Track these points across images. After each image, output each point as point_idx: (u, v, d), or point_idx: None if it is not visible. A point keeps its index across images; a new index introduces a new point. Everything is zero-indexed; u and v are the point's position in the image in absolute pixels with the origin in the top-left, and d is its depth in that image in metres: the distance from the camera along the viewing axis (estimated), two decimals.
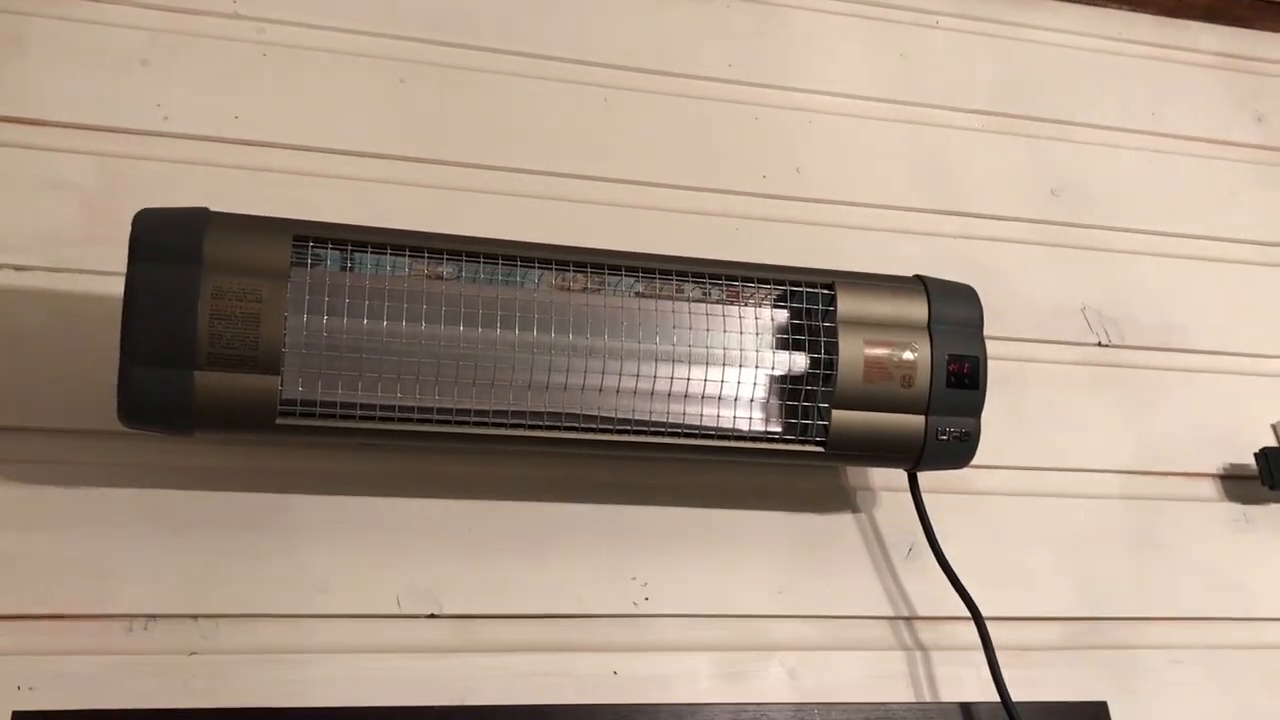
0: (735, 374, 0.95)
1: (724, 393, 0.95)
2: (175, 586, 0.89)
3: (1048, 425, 1.17)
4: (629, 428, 0.93)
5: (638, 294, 0.95)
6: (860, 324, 0.96)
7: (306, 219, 0.88)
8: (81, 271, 0.96)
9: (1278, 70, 1.48)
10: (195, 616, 0.89)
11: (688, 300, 0.96)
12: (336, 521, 0.95)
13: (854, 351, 0.95)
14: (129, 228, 0.83)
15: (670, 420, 0.94)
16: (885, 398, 0.96)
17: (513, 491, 0.99)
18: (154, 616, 0.88)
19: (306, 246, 0.87)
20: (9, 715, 0.81)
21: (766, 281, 0.97)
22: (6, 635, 0.86)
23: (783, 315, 0.98)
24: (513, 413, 0.90)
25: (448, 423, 0.89)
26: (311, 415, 0.86)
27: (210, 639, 0.89)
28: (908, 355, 0.96)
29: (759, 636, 1.01)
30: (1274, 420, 1.24)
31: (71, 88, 1.03)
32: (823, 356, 0.95)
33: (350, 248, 0.88)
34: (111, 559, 0.89)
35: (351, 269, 0.89)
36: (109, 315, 0.85)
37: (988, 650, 0.99)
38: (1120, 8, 1.44)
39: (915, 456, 0.98)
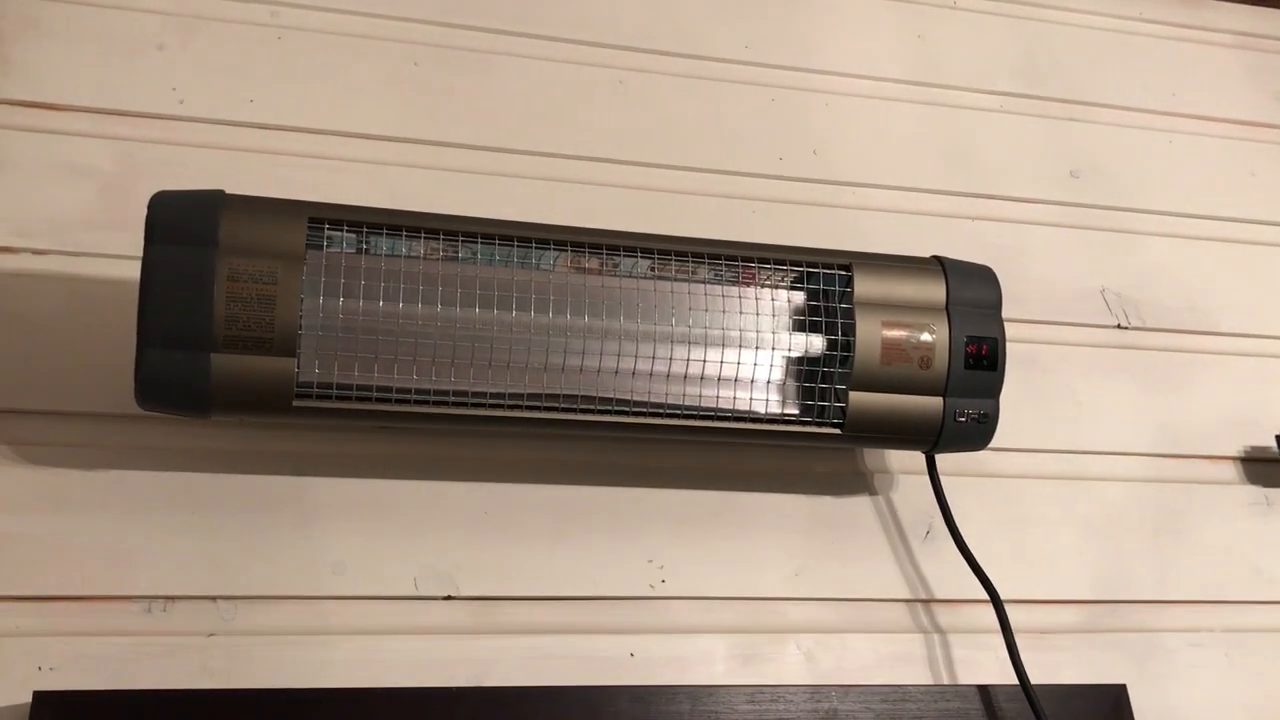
0: (752, 356, 0.95)
1: (740, 375, 0.95)
2: (194, 568, 0.90)
3: (1067, 408, 1.16)
4: (645, 410, 0.93)
5: (654, 276, 0.94)
6: (878, 305, 0.96)
7: (321, 201, 0.88)
8: (99, 255, 0.96)
9: None
10: (214, 598, 0.90)
11: (704, 282, 0.96)
12: (353, 504, 0.95)
13: (871, 333, 0.95)
14: (145, 211, 0.83)
15: (687, 403, 0.94)
16: (903, 379, 0.95)
17: (528, 474, 0.99)
18: (173, 598, 0.89)
19: (321, 228, 0.87)
20: (30, 695, 0.82)
21: (783, 263, 0.96)
22: (28, 616, 0.86)
23: (799, 297, 0.98)
24: (528, 395, 0.90)
25: (464, 405, 0.89)
26: (328, 397, 0.86)
27: (229, 620, 0.89)
28: (926, 337, 0.96)
29: (776, 619, 1.01)
30: None
31: (87, 72, 1.03)
32: (840, 338, 0.95)
33: (365, 230, 0.88)
34: (130, 541, 0.90)
35: (366, 251, 0.89)
36: (126, 299, 0.85)
37: (1006, 633, 0.99)
38: None
39: (933, 438, 0.98)
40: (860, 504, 1.07)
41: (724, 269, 0.96)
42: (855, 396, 0.95)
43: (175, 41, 1.06)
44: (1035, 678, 0.98)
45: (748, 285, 0.97)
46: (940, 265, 0.99)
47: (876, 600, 1.03)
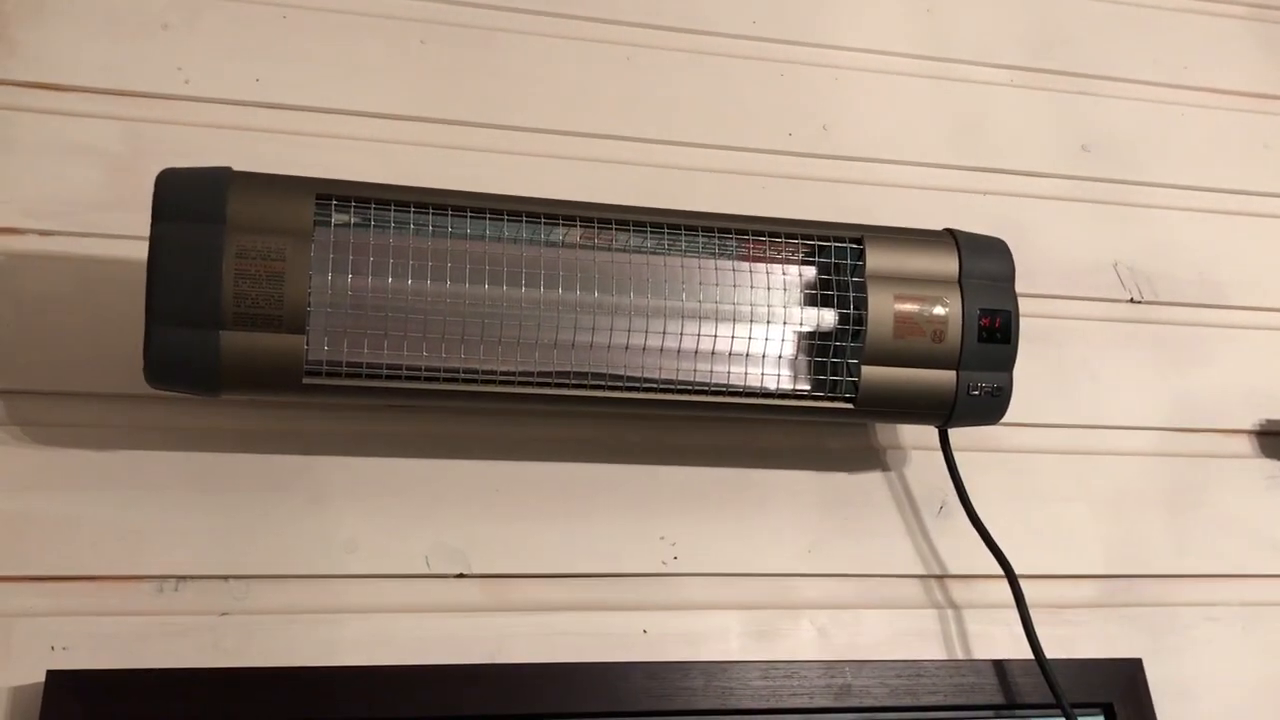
0: (763, 331, 0.94)
1: (752, 350, 0.94)
2: (205, 548, 0.90)
3: (1081, 382, 1.16)
4: (656, 386, 0.92)
5: (664, 251, 0.94)
6: (890, 279, 0.95)
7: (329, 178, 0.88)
8: (105, 236, 0.96)
9: None
10: (225, 577, 0.89)
11: (715, 257, 0.95)
12: (364, 482, 0.94)
13: (884, 307, 0.94)
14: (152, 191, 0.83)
15: (698, 379, 0.93)
16: (916, 353, 0.95)
17: (539, 452, 0.99)
18: (184, 577, 0.89)
19: (329, 205, 0.86)
20: (43, 674, 0.82)
21: (795, 237, 0.96)
22: (40, 596, 0.86)
23: (811, 271, 0.97)
24: (539, 372, 0.90)
25: (474, 382, 0.89)
26: (338, 375, 0.86)
27: (240, 599, 0.89)
28: (938, 310, 0.95)
29: (789, 595, 1.00)
30: None
31: (93, 52, 1.02)
32: (852, 312, 0.94)
33: (373, 206, 0.87)
34: (141, 521, 0.89)
35: (374, 228, 0.88)
36: (134, 279, 0.84)
37: (1021, 608, 0.98)
38: None
39: (946, 412, 0.97)
40: (873, 479, 1.06)
41: (735, 244, 0.95)
42: (868, 371, 0.94)
43: (180, 21, 1.05)
44: (1050, 652, 0.97)
45: (759, 260, 0.96)
46: (953, 238, 0.98)
47: (890, 576, 1.03)
